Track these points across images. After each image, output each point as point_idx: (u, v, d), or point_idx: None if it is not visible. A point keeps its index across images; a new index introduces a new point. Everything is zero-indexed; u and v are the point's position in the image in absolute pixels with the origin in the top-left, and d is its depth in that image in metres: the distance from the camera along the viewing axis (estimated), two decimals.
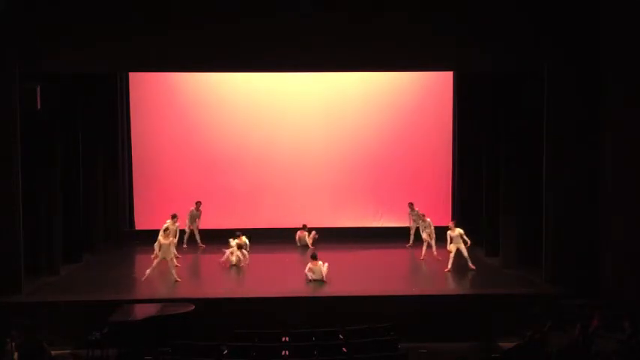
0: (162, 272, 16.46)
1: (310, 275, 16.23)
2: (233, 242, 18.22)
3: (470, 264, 17.00)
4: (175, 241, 17.56)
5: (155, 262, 16.33)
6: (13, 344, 11.90)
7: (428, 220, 18.41)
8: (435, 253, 18.10)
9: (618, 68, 15.04)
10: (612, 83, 15.18)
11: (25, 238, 15.64)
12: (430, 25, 15.52)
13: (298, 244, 20.03)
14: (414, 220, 19.61)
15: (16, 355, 11.85)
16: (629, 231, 14.69)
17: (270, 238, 19.69)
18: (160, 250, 16.36)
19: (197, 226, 19.91)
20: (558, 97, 15.54)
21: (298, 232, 20.14)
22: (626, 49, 14.79)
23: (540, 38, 15.53)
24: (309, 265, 16.34)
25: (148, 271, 16.21)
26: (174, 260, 16.99)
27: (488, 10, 15.52)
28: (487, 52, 15.75)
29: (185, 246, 19.63)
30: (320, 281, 16.08)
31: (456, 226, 17.21)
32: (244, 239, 18.56)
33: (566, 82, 15.48)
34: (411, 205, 19.72)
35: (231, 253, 17.84)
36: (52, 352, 12.58)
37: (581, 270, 15.43)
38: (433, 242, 18.17)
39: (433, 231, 18.23)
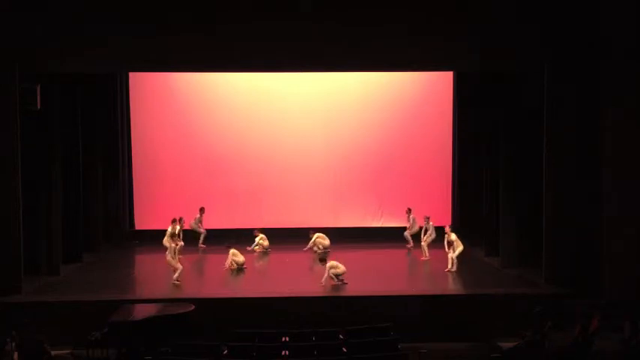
0: (163, 273, 16.44)
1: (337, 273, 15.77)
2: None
3: (450, 266, 16.93)
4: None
5: (177, 265, 16.16)
6: (13, 344, 11.92)
7: (431, 223, 18.51)
8: (426, 255, 18.27)
9: (618, 68, 15.03)
10: (612, 83, 15.16)
11: (25, 238, 15.64)
12: (430, 25, 15.51)
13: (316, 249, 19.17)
14: (410, 227, 19.67)
15: (16, 355, 11.86)
16: (628, 231, 14.68)
17: (270, 238, 19.63)
18: (170, 256, 16.22)
19: (201, 228, 19.90)
20: (558, 97, 15.54)
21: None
22: (625, 49, 14.79)
23: (540, 38, 15.52)
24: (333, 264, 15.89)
25: (175, 275, 16.03)
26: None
27: (488, 10, 15.51)
28: (486, 52, 15.73)
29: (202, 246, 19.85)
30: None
31: (452, 230, 17.38)
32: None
33: (566, 82, 15.48)
34: (409, 210, 19.76)
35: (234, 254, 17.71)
36: (52, 352, 12.60)
37: (581, 270, 15.42)
38: (426, 245, 18.35)
39: (433, 236, 18.33)
